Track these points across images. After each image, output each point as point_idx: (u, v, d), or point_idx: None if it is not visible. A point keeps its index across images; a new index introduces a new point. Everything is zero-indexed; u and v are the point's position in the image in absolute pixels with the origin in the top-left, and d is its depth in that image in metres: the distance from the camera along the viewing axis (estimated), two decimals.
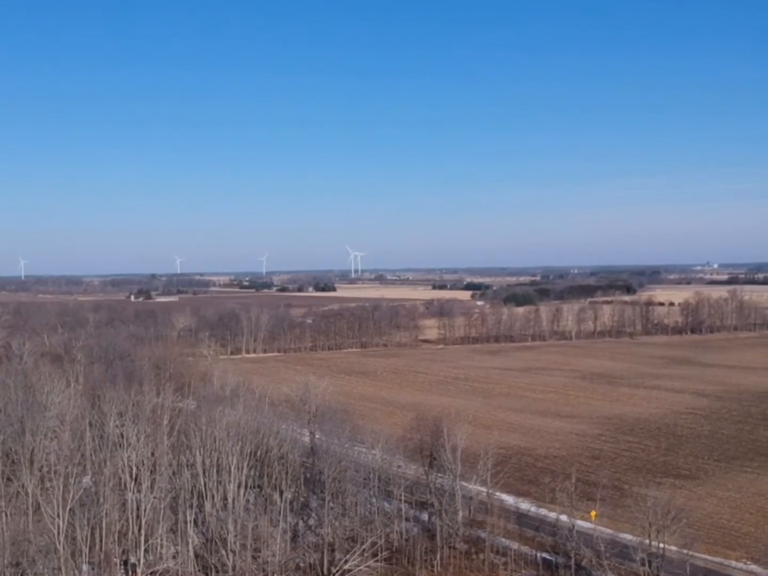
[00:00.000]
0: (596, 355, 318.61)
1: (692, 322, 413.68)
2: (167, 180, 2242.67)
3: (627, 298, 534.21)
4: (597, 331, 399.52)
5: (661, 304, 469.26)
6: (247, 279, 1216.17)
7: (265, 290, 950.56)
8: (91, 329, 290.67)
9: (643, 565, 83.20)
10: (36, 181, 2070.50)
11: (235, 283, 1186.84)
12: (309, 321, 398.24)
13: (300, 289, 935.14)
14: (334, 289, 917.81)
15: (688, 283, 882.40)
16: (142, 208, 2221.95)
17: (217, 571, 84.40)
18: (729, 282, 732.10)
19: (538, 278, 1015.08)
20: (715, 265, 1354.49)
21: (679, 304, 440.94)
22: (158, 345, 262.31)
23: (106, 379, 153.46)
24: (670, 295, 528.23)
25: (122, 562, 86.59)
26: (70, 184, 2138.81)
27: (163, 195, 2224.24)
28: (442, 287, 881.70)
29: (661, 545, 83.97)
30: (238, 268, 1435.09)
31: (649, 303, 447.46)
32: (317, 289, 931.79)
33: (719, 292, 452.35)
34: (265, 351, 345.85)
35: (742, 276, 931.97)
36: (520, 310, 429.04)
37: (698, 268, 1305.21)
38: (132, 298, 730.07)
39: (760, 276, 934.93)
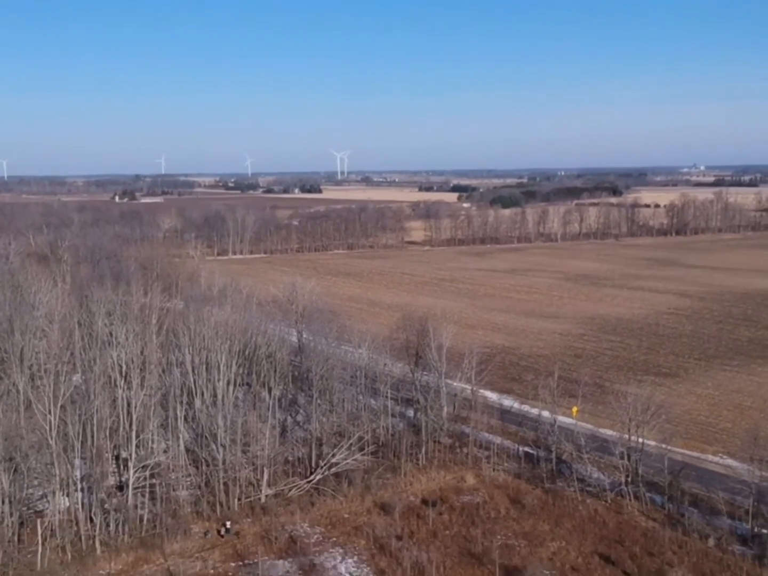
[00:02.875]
0: (581, 257, 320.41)
1: (677, 224, 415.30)
2: (151, 79, 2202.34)
3: (613, 200, 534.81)
4: (583, 233, 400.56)
5: (647, 206, 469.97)
6: (232, 180, 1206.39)
7: (251, 192, 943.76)
8: (76, 230, 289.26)
9: (622, 458, 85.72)
10: (17, 79, 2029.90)
11: (221, 184, 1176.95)
12: (295, 223, 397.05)
13: (286, 191, 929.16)
14: (320, 191, 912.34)
15: (675, 185, 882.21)
16: (126, 107, 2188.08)
17: (208, 465, 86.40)
18: (715, 184, 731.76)
19: (524, 180, 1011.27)
20: (702, 168, 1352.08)
21: (665, 206, 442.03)
22: (144, 246, 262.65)
23: (93, 279, 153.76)
24: (656, 197, 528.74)
25: (114, 457, 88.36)
26: (53, 82, 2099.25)
27: (147, 94, 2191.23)
28: (429, 189, 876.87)
29: (640, 440, 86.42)
30: (224, 169, 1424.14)
31: (635, 205, 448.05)
32: (303, 190, 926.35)
33: (705, 194, 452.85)
34: (251, 252, 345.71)
35: (729, 178, 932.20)
36: (507, 212, 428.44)
37: (685, 170, 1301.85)
38: (116, 198, 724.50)
39: (746, 178, 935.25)
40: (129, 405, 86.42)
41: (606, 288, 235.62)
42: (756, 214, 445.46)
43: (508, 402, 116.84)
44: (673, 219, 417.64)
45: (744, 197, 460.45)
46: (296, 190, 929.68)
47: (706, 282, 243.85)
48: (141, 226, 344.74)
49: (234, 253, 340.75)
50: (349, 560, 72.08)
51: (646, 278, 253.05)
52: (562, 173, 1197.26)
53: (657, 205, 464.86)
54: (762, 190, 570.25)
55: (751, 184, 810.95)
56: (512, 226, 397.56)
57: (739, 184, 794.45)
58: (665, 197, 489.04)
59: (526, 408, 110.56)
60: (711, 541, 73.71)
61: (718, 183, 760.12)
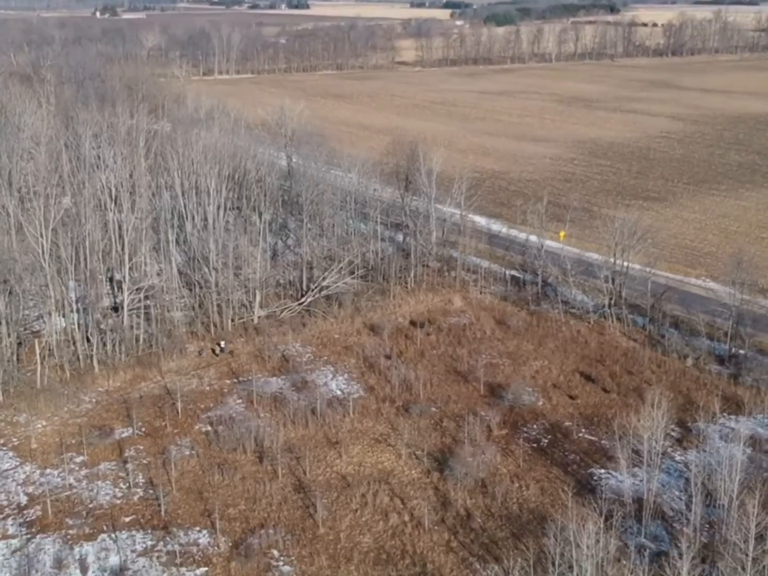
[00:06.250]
0: (575, 78, 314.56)
1: (674, 44, 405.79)
2: None
3: (610, 18, 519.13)
4: (578, 54, 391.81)
5: (645, 24, 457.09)
6: None
7: (236, 7, 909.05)
8: (58, 48, 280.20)
9: (606, 282, 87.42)
10: None
11: None
12: (282, 41, 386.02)
13: (272, 6, 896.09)
14: (307, 7, 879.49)
15: (674, 2, 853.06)
16: None
17: (201, 287, 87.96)
18: (715, 2, 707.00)
19: None
20: None
21: (663, 25, 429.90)
22: (129, 65, 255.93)
23: (78, 100, 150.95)
24: (655, 15, 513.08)
25: (108, 279, 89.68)
26: None
27: None
28: (421, 5, 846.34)
29: (625, 264, 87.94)
30: None
31: (633, 24, 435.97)
32: (290, 6, 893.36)
33: (704, 13, 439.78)
34: (238, 72, 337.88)
35: None
36: (500, 30, 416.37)
37: None
38: (97, 14, 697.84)
39: None
40: (120, 228, 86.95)
41: (599, 111, 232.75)
42: (755, 34, 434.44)
43: (496, 227, 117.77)
44: (670, 39, 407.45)
45: (743, 16, 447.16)
46: (283, 6, 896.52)
47: (700, 105, 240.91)
48: (124, 44, 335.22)
49: (220, 72, 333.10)
50: (340, 377, 74.85)
51: (640, 100, 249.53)
52: None
53: (654, 24, 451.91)
54: (762, 9, 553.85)
55: (752, 2, 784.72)
56: (506, 45, 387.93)
57: (740, 2, 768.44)
58: (663, 16, 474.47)
59: (514, 233, 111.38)
60: (689, 361, 76.46)
61: (718, 1, 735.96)
